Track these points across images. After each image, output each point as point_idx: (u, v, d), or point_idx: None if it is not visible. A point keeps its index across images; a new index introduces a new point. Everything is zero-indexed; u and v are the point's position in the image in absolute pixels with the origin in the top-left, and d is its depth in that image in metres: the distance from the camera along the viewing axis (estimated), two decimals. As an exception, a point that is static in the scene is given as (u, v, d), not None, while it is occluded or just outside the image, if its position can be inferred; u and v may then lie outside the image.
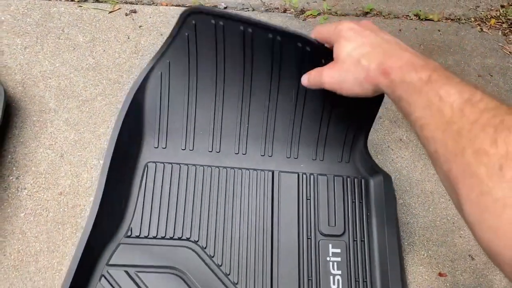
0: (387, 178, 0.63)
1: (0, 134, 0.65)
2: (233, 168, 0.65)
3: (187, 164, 0.64)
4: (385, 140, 0.74)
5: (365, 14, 0.90)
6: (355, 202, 0.64)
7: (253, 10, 0.88)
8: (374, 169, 0.65)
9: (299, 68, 0.59)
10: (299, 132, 0.66)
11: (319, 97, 0.62)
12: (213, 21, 0.58)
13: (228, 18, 0.58)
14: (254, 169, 0.65)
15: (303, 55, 0.57)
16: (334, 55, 0.51)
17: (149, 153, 0.64)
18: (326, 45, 0.54)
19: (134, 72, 0.76)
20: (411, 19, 0.90)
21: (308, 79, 0.55)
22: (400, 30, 0.87)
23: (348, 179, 0.66)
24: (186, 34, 0.60)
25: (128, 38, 0.80)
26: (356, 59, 0.47)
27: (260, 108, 0.65)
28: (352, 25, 0.50)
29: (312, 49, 0.56)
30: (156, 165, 0.63)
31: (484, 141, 0.33)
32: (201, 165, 0.64)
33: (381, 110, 0.76)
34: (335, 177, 0.66)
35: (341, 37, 0.50)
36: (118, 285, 0.55)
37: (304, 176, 0.65)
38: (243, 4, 0.88)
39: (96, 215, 0.54)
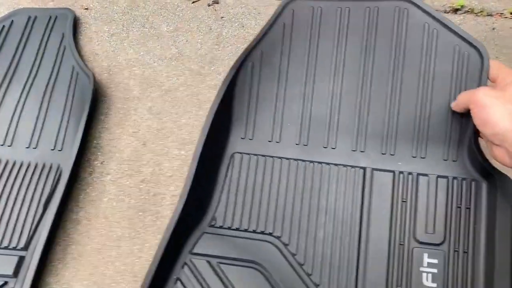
0: (505, 180, 0.55)
1: (87, 120, 0.66)
2: (320, 163, 0.61)
3: (272, 157, 0.62)
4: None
5: (455, 11, 0.84)
6: (461, 207, 0.57)
7: (336, 3, 0.85)
8: (488, 170, 0.57)
9: (395, 38, 0.61)
10: (396, 125, 0.61)
11: (419, 81, 0.60)
12: (312, 6, 0.62)
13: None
14: (344, 165, 0.61)
15: (400, 17, 0.59)
16: (508, 87, 0.51)
17: (236, 144, 0.63)
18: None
19: (215, 63, 0.76)
20: (506, 17, 0.83)
21: (457, 100, 0.57)
22: (493, 28, 0.82)
23: (455, 180, 0.58)
24: (283, 23, 0.62)
25: (210, 29, 0.80)
26: None
27: (352, 98, 0.62)
28: None
29: (410, 9, 0.60)
30: (242, 156, 0.62)
31: None
32: (287, 158, 0.62)
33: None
34: (439, 178, 0.58)
35: None
36: (200, 274, 0.56)
37: (401, 175, 0.59)
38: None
39: (184, 203, 0.55)
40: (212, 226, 0.59)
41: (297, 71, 0.63)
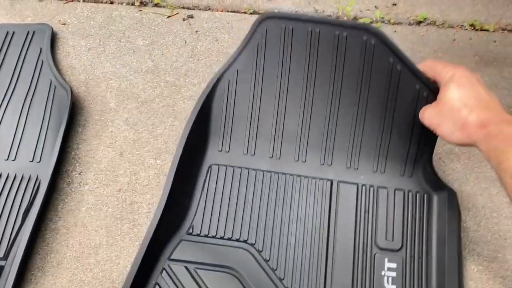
0: (451, 194, 0.63)
1: (65, 131, 0.68)
2: (292, 175, 0.66)
3: (248, 169, 0.66)
4: (436, 152, 0.74)
5: (419, 23, 0.89)
6: (416, 217, 0.63)
7: (306, 17, 0.89)
8: (438, 185, 0.64)
9: (362, 68, 0.62)
10: (360, 143, 0.66)
11: (382, 108, 0.63)
12: (283, 25, 0.63)
13: (298, 19, 0.63)
14: (313, 177, 0.66)
15: (367, 48, 0.60)
16: (440, 96, 0.55)
17: (213, 156, 0.67)
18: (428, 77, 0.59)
19: (190, 75, 0.79)
20: (466, 29, 0.88)
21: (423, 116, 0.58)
22: (454, 40, 0.86)
23: (410, 193, 0.65)
24: (257, 42, 0.64)
25: (185, 42, 0.83)
26: (459, 107, 0.51)
27: (321, 116, 0.66)
28: (467, 73, 0.53)
29: (376, 43, 0.60)
30: (219, 167, 0.66)
31: None
32: (261, 170, 0.66)
33: (433, 121, 0.76)
34: (396, 191, 0.65)
35: (453, 81, 0.53)
36: (178, 279, 0.59)
37: (364, 187, 0.65)
38: (296, 10, 0.89)
39: (162, 211, 0.58)
40: (190, 233, 0.63)
41: (270, 88, 0.67)
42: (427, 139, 0.64)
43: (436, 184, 0.64)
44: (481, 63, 0.83)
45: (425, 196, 0.65)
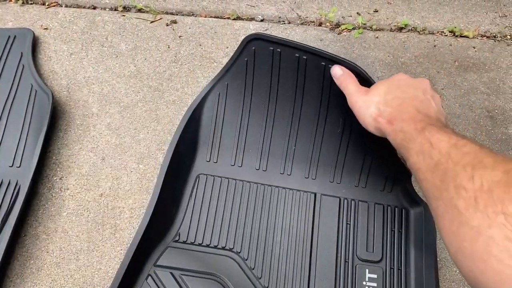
0: (427, 209, 0.64)
1: (46, 136, 0.68)
2: (277, 187, 0.68)
3: (235, 179, 0.68)
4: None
5: (400, 29, 0.90)
6: (394, 230, 0.65)
7: (289, 23, 0.90)
8: (416, 201, 0.66)
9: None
10: (344, 159, 0.69)
11: (366, 132, 0.66)
12: (271, 48, 0.67)
13: (285, 45, 0.66)
14: (297, 190, 0.68)
15: None
16: (373, 86, 0.58)
17: (201, 165, 0.68)
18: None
19: (173, 80, 0.79)
20: (446, 35, 0.90)
21: (343, 79, 0.62)
22: (435, 46, 0.88)
23: (389, 207, 0.67)
24: (246, 59, 0.68)
25: (168, 47, 0.83)
26: (379, 100, 0.55)
27: (308, 133, 0.69)
28: (405, 77, 0.58)
29: (360, 78, 0.63)
30: (206, 177, 0.67)
31: (463, 178, 0.38)
32: (248, 181, 0.68)
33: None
34: (376, 205, 0.67)
35: (389, 79, 0.58)
36: (163, 285, 0.59)
37: (346, 201, 0.67)
38: (280, 17, 0.90)
39: (150, 218, 0.59)
40: (177, 241, 0.63)
41: (259, 104, 0.69)
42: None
43: (414, 200, 0.67)
44: (461, 68, 0.85)
45: (403, 210, 0.67)
